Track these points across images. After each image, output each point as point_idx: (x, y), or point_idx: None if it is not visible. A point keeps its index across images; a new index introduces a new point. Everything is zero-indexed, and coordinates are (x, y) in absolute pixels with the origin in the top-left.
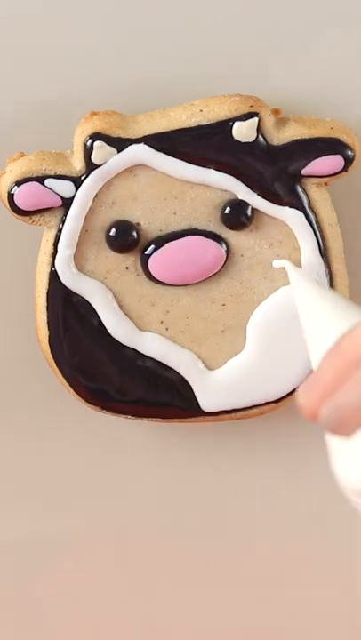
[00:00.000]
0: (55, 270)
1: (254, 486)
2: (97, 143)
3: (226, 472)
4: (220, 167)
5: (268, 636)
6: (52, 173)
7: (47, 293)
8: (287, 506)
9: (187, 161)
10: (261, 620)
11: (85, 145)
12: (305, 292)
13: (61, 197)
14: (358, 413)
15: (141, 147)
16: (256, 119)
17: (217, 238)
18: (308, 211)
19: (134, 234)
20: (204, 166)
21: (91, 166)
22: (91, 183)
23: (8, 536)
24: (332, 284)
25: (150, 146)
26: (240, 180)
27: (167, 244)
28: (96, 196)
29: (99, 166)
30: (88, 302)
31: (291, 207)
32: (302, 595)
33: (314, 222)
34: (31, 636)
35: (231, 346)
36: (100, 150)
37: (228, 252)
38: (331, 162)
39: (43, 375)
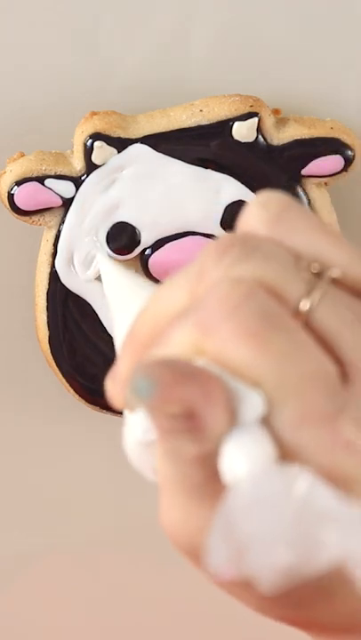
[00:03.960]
0: (55, 270)
1: None
2: (97, 143)
3: None
4: (220, 167)
5: (268, 637)
6: (52, 173)
7: (47, 293)
8: None
9: (187, 161)
10: (260, 620)
11: (85, 145)
12: (112, 278)
13: (61, 197)
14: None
15: (141, 147)
16: (256, 119)
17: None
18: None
19: (134, 234)
20: (204, 166)
21: (91, 166)
22: (91, 183)
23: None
24: None
25: (150, 146)
26: (240, 181)
27: (167, 245)
28: (96, 195)
29: (99, 166)
30: (88, 302)
31: None
32: None
33: None
34: None
35: None
36: (100, 150)
37: None
38: (331, 162)
39: (43, 375)
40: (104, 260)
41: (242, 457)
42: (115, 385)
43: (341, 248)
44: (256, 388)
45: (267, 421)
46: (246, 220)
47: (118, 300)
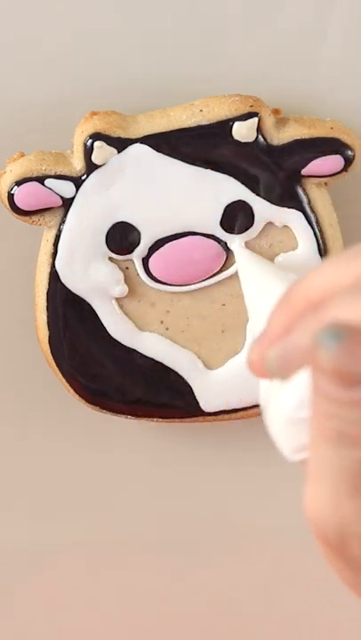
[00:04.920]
0: (55, 270)
1: (255, 486)
2: (97, 143)
3: (226, 472)
4: (220, 167)
5: (267, 637)
6: (52, 173)
7: (47, 293)
8: (288, 505)
9: (186, 161)
10: (263, 620)
11: (85, 145)
12: (247, 265)
13: (61, 197)
14: (304, 354)
15: (141, 147)
16: (256, 119)
17: (217, 238)
18: (308, 211)
19: (134, 234)
20: (203, 166)
21: (91, 166)
22: (91, 183)
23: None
24: None
25: (150, 146)
26: (240, 181)
27: (167, 245)
28: (96, 195)
29: (99, 166)
30: (88, 302)
31: (291, 207)
32: (305, 594)
33: (314, 223)
34: None
35: (231, 346)
36: (100, 150)
37: (227, 251)
38: (331, 162)
39: (43, 375)
40: (240, 250)
41: None
42: (261, 346)
43: None
44: None
45: None
46: None
47: (256, 286)
